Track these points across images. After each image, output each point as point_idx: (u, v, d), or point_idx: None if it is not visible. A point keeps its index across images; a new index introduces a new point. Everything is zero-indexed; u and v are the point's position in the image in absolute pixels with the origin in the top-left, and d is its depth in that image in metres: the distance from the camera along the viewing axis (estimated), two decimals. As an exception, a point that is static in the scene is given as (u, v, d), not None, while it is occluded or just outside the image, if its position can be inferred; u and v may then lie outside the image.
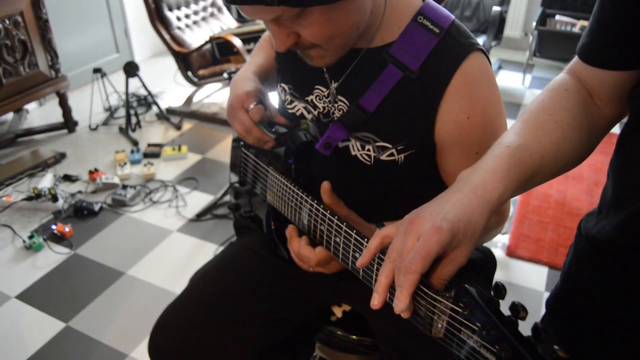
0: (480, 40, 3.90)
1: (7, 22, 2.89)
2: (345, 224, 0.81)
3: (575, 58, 0.77)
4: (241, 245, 1.21)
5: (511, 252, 2.43)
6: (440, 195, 0.66)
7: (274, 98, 1.13)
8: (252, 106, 1.00)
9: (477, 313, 0.55)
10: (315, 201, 0.90)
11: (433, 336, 0.62)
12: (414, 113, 0.88)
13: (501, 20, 4.02)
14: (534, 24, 4.02)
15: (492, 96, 0.89)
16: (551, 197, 2.84)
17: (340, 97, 0.95)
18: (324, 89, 0.98)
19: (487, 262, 1.12)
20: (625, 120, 0.73)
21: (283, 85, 1.07)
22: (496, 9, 3.93)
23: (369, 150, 0.94)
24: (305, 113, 1.03)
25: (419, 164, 0.94)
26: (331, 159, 0.98)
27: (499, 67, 4.53)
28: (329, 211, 0.85)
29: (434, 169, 0.96)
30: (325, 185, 0.89)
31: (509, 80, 4.34)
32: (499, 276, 2.27)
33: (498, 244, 2.46)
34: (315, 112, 1.01)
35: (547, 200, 2.81)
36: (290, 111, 1.06)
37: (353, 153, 0.96)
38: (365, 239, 0.76)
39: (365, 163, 0.95)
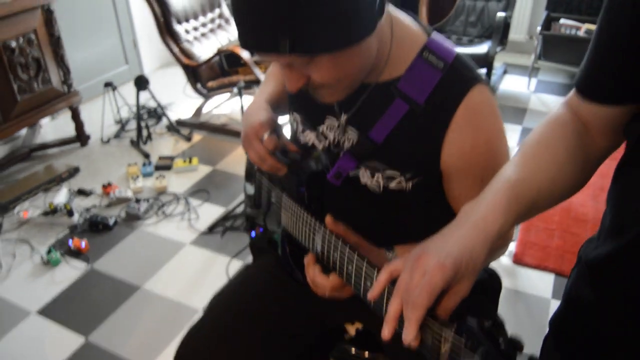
0: (485, 46, 3.93)
1: (22, 40, 2.96)
2: (356, 253, 0.86)
3: (573, 90, 0.81)
4: (258, 267, 1.26)
5: (518, 260, 2.46)
6: (444, 230, 0.71)
7: (286, 125, 1.18)
8: (266, 136, 1.05)
9: (477, 344, 0.60)
10: (328, 229, 0.94)
11: None
12: (420, 144, 0.93)
13: (506, 25, 4.05)
14: (539, 28, 4.04)
15: (495, 126, 0.94)
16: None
17: (350, 128, 1.00)
18: (334, 120, 1.03)
19: (493, 283, 1.16)
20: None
21: (295, 114, 1.12)
22: (500, 14, 3.96)
23: (378, 178, 0.98)
24: (316, 142, 1.08)
25: (426, 191, 0.98)
26: (342, 187, 1.03)
27: (504, 72, 4.56)
28: (341, 239, 0.90)
29: (441, 195, 1.00)
30: (328, 219, 0.94)
31: (514, 84, 4.36)
32: (506, 284, 2.31)
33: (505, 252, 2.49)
34: (326, 142, 1.06)
35: (553, 207, 2.84)
36: (302, 140, 1.11)
37: (363, 181, 1.01)
38: (376, 269, 0.81)
39: (374, 191, 1.00)
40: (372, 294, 0.75)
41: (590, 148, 0.79)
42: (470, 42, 4.21)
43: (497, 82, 4.32)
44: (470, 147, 0.91)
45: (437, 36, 0.96)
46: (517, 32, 4.78)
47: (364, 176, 1.00)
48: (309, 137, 1.09)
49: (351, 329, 1.25)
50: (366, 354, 1.21)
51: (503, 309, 2.14)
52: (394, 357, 1.13)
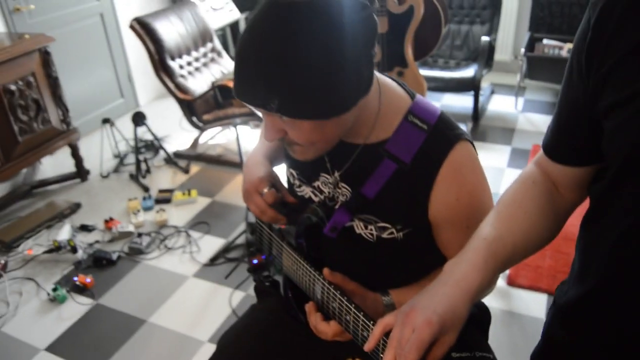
0: (472, 69, 4.05)
1: (20, 83, 3.05)
2: (353, 305, 0.94)
3: (541, 151, 0.91)
4: (264, 308, 1.35)
5: (511, 281, 2.55)
6: (430, 288, 0.80)
7: (283, 177, 1.27)
8: (265, 190, 1.15)
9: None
10: (327, 280, 1.03)
11: None
12: (409, 198, 1.02)
13: (490, 48, 4.18)
14: (522, 49, 4.18)
15: (478, 179, 1.03)
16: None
17: (342, 185, 1.10)
18: (328, 177, 1.12)
19: (483, 316, 1.25)
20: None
21: (291, 170, 1.21)
22: (485, 38, 4.09)
23: (371, 229, 1.08)
24: (312, 197, 1.17)
25: (417, 240, 1.07)
26: (338, 237, 1.12)
27: (492, 92, 4.68)
28: (339, 291, 0.99)
29: (431, 242, 1.09)
30: (326, 271, 1.03)
31: (501, 104, 4.48)
32: (500, 306, 2.40)
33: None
34: (322, 196, 1.15)
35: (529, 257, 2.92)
36: (299, 194, 1.20)
37: (357, 232, 1.10)
38: (372, 322, 0.89)
39: (368, 240, 1.09)
40: (368, 346, 0.83)
41: (560, 204, 0.89)
42: (457, 65, 4.34)
43: (485, 103, 4.44)
44: (455, 200, 1.01)
45: (420, 100, 1.05)
46: (503, 53, 4.91)
47: (358, 227, 1.09)
48: (306, 191, 1.18)
49: (352, 364, 1.33)
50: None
51: (498, 331, 2.22)
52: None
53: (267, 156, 1.26)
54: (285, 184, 1.25)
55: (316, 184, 1.15)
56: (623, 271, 0.73)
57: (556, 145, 0.86)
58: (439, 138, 1.01)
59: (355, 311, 0.93)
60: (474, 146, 1.06)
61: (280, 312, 1.30)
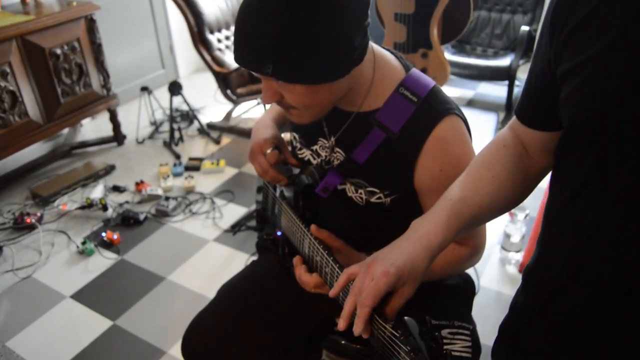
0: (508, 58, 4.02)
1: (66, 47, 3.21)
2: (332, 258, 1.01)
3: (515, 116, 0.93)
4: (261, 264, 1.43)
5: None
6: (394, 242, 0.86)
7: (288, 139, 1.35)
8: (268, 151, 1.23)
9: (410, 339, 0.75)
10: (314, 236, 1.10)
11: (382, 354, 0.82)
12: (396, 166, 1.08)
13: (530, 39, 4.12)
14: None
15: (463, 152, 1.08)
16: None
17: (337, 149, 1.16)
18: (325, 141, 1.19)
19: (467, 286, 1.30)
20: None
21: (294, 134, 1.29)
22: (525, 28, 4.04)
23: (361, 193, 1.14)
24: (311, 159, 1.24)
25: (403, 205, 1.13)
26: (331, 199, 1.19)
27: (529, 84, 4.61)
28: (322, 246, 1.06)
29: (417, 208, 1.15)
30: (313, 227, 1.10)
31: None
32: (511, 292, 2.42)
33: (512, 261, 2.60)
34: (319, 160, 1.22)
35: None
36: (300, 156, 1.27)
37: (349, 195, 1.16)
38: None
39: (358, 203, 1.16)
40: (332, 292, 0.91)
41: (529, 167, 0.91)
42: (495, 55, 4.30)
43: (520, 94, 4.38)
44: (439, 171, 1.06)
45: (414, 73, 1.10)
46: (544, 45, 4.83)
47: (350, 190, 1.16)
48: (305, 154, 1.25)
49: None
50: (354, 345, 1.37)
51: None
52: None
53: (274, 120, 1.34)
54: (290, 147, 1.33)
55: (314, 147, 1.22)
56: (569, 233, 0.76)
57: (526, 109, 0.88)
58: (427, 111, 1.06)
59: (333, 264, 1.00)
60: (465, 122, 1.10)
61: (277, 267, 1.38)
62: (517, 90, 4.30)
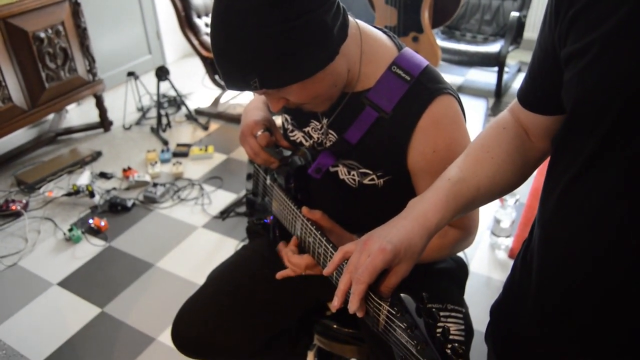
0: (498, 44, 4.01)
1: (50, 31, 3.14)
2: (325, 238, 1.00)
3: (515, 99, 0.92)
4: (252, 248, 1.42)
5: (514, 255, 2.57)
6: (391, 220, 0.84)
7: (280, 122, 1.32)
8: (259, 133, 1.20)
9: (406, 316, 0.73)
10: (306, 217, 1.09)
11: (378, 332, 0.81)
12: (389, 147, 1.06)
13: (520, 25, 4.11)
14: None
15: (456, 133, 1.06)
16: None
17: (330, 131, 1.14)
18: (317, 123, 1.17)
19: (460, 270, 1.29)
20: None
21: (285, 115, 1.26)
22: (514, 14, 4.03)
23: (353, 175, 1.12)
24: (303, 141, 1.22)
25: (396, 187, 1.12)
26: (324, 181, 1.17)
27: (519, 70, 4.62)
28: (314, 226, 1.04)
29: (411, 190, 1.14)
30: (304, 209, 1.09)
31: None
32: (500, 277, 2.43)
33: (502, 246, 2.61)
34: (311, 141, 1.20)
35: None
36: (291, 138, 1.25)
37: (341, 177, 1.14)
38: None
39: (350, 185, 1.14)
40: (326, 271, 0.89)
41: (529, 151, 0.90)
42: (485, 41, 4.29)
43: (510, 80, 4.39)
44: (432, 152, 1.04)
45: (407, 52, 1.08)
46: (534, 31, 4.82)
47: (342, 173, 1.14)
48: (297, 136, 1.23)
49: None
50: (345, 330, 1.36)
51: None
52: (369, 332, 1.26)
53: (266, 103, 1.31)
54: (281, 130, 1.31)
55: (306, 129, 1.20)
56: (572, 215, 0.75)
57: (528, 92, 0.87)
58: (420, 90, 1.04)
59: (326, 244, 0.99)
60: (460, 102, 1.09)
61: (267, 252, 1.36)
62: (507, 76, 4.30)
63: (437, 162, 1.04)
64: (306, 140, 1.21)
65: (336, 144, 1.12)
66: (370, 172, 1.10)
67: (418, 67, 1.05)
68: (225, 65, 0.92)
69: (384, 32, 1.12)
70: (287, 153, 1.25)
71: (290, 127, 1.25)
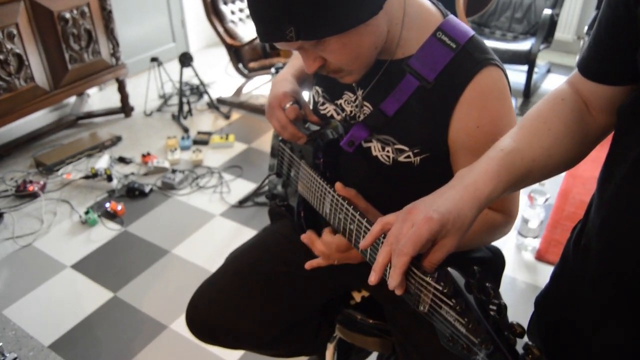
0: (528, 43, 3.89)
1: (75, 12, 3.10)
2: (358, 212, 0.92)
3: (575, 70, 0.84)
4: (273, 230, 1.34)
5: (540, 256, 2.47)
6: (437, 190, 0.76)
7: (309, 98, 1.24)
8: (288, 105, 1.12)
9: (454, 291, 0.65)
10: (337, 192, 1.00)
11: (420, 312, 0.72)
12: (429, 119, 0.98)
13: (552, 23, 3.99)
14: (586, 27, 3.97)
15: (503, 108, 0.97)
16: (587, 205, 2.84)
17: (365, 103, 1.06)
18: (351, 95, 1.08)
19: (496, 260, 1.20)
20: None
21: (317, 87, 1.18)
22: (547, 12, 3.91)
23: (388, 151, 1.04)
24: (334, 115, 1.14)
25: (433, 166, 1.03)
26: (355, 158, 1.09)
27: (548, 70, 4.49)
28: (346, 201, 0.96)
29: (448, 170, 1.05)
30: (338, 185, 1.00)
31: (557, 84, 4.29)
32: (525, 279, 2.32)
33: (529, 247, 2.50)
34: (343, 115, 1.11)
35: (583, 208, 2.78)
36: (322, 112, 1.17)
37: (374, 154, 1.06)
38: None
39: (384, 163, 1.05)
40: (363, 243, 0.81)
41: (590, 125, 0.82)
42: (515, 39, 4.17)
43: (539, 80, 4.27)
44: (476, 127, 0.96)
45: (453, 19, 1.00)
46: (565, 32, 4.69)
47: (376, 149, 1.05)
48: (329, 109, 1.15)
49: (357, 296, 1.31)
50: (370, 321, 1.27)
51: (520, 303, 2.16)
52: (396, 325, 1.18)
53: (295, 75, 1.24)
54: (311, 104, 1.23)
55: (339, 102, 1.12)
56: (634, 199, 0.67)
57: (592, 60, 0.79)
58: (466, 59, 0.95)
59: (360, 218, 0.91)
60: (506, 75, 1.00)
61: (290, 233, 1.28)
62: (536, 76, 4.18)
63: (480, 138, 0.96)
64: (338, 114, 1.13)
65: (371, 115, 1.03)
66: (407, 149, 1.02)
67: (465, 35, 0.97)
68: (260, 12, 0.85)
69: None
70: (316, 129, 1.17)
71: (321, 99, 1.17)
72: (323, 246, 1.05)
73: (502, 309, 0.60)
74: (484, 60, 0.95)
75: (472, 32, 0.99)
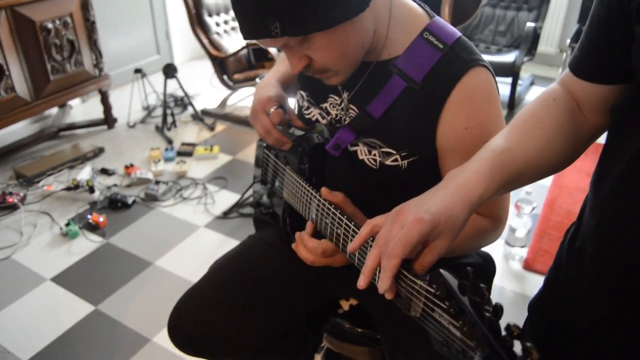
0: (512, 55, 3.92)
1: (58, 22, 3.07)
2: (345, 217, 0.89)
3: (567, 70, 0.83)
4: (258, 238, 1.31)
5: (528, 266, 2.46)
6: (427, 191, 0.74)
7: (293, 104, 1.22)
8: (272, 110, 1.10)
9: (447, 294, 0.62)
10: (324, 198, 0.98)
11: (412, 316, 0.69)
12: (416, 121, 0.96)
13: (535, 36, 4.03)
14: (569, 40, 4.02)
15: (491, 110, 0.96)
16: (573, 215, 2.84)
17: (351, 106, 1.04)
18: (337, 98, 1.06)
19: (487, 267, 1.18)
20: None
21: (301, 92, 1.16)
22: (530, 25, 3.95)
23: (374, 155, 1.02)
24: (320, 119, 1.12)
25: (421, 170, 1.01)
26: (341, 162, 1.06)
27: (532, 83, 4.53)
28: (332, 206, 0.94)
29: (436, 174, 1.03)
30: (323, 191, 0.98)
31: (540, 96, 4.33)
32: (513, 288, 2.31)
33: (516, 257, 2.49)
34: (329, 118, 1.10)
35: (569, 217, 2.82)
36: (307, 116, 1.15)
37: (360, 157, 1.04)
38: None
39: (371, 167, 1.03)
40: (352, 246, 0.78)
41: (582, 125, 0.81)
42: (499, 51, 4.21)
43: (523, 92, 4.30)
44: (464, 128, 0.94)
45: (439, 20, 0.99)
46: (548, 45, 4.75)
47: (362, 152, 1.03)
48: (313, 113, 1.13)
49: (345, 305, 1.28)
50: (359, 329, 1.24)
51: (511, 312, 2.14)
52: (386, 333, 1.15)
53: (279, 80, 1.22)
54: (296, 110, 1.21)
55: (324, 105, 1.10)
56: (631, 199, 0.66)
57: (584, 59, 0.78)
58: (454, 59, 0.94)
59: (347, 222, 0.88)
60: (494, 77, 0.99)
61: (275, 241, 1.26)
62: (520, 88, 4.21)
63: (468, 140, 0.94)
64: (323, 118, 1.11)
65: (357, 118, 1.02)
66: (394, 152, 1.00)
67: (452, 36, 0.96)
68: (245, 7, 0.82)
69: (414, 1, 1.03)
70: (301, 134, 1.15)
71: (305, 104, 1.15)
72: (306, 252, 1.02)
73: (498, 310, 0.57)
74: (472, 61, 0.94)
75: (459, 34, 0.98)
